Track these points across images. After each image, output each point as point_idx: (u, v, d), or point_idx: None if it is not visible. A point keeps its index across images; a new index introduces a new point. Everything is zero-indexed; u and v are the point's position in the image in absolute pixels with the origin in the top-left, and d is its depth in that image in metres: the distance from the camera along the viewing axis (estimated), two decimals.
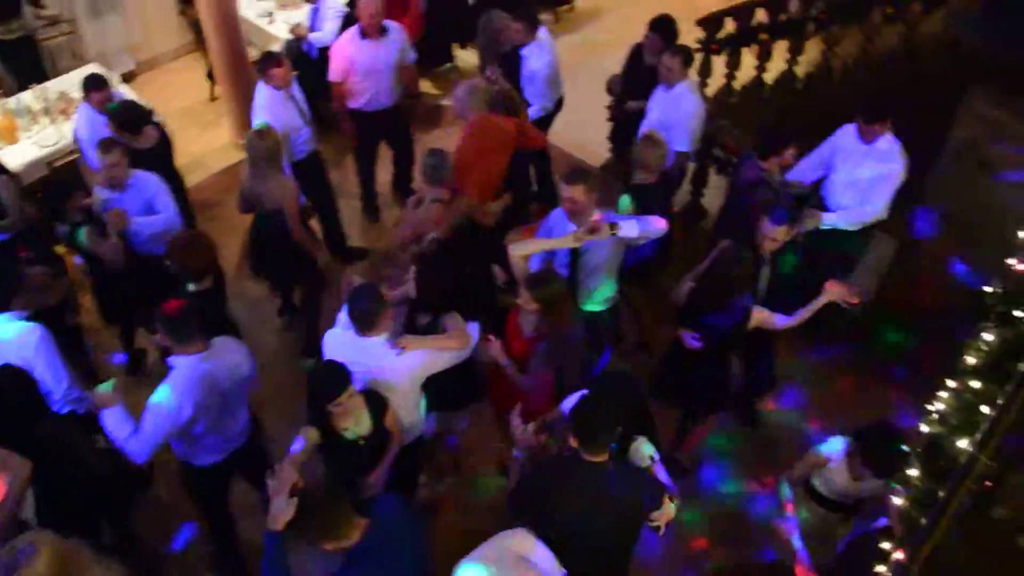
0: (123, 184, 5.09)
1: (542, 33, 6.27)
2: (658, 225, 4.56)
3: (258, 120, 5.79)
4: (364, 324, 3.98)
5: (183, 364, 3.92)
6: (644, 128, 5.82)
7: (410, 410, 4.29)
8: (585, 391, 3.70)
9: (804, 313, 4.50)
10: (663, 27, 6.01)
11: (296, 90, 5.94)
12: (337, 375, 3.71)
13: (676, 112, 5.68)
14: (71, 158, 6.34)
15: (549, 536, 3.35)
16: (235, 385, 4.14)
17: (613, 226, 4.38)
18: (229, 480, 4.52)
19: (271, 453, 4.63)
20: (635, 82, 6.27)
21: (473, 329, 4.27)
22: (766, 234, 4.50)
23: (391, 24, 6.27)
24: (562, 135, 6.15)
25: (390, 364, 4.03)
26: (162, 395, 3.87)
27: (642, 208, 4.97)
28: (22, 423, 3.95)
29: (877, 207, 5.14)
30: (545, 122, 6.43)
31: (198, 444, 4.17)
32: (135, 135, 5.51)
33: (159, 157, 5.64)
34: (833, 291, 4.45)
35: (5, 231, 5.27)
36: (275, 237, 5.37)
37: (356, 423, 3.84)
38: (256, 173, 5.23)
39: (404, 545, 3.32)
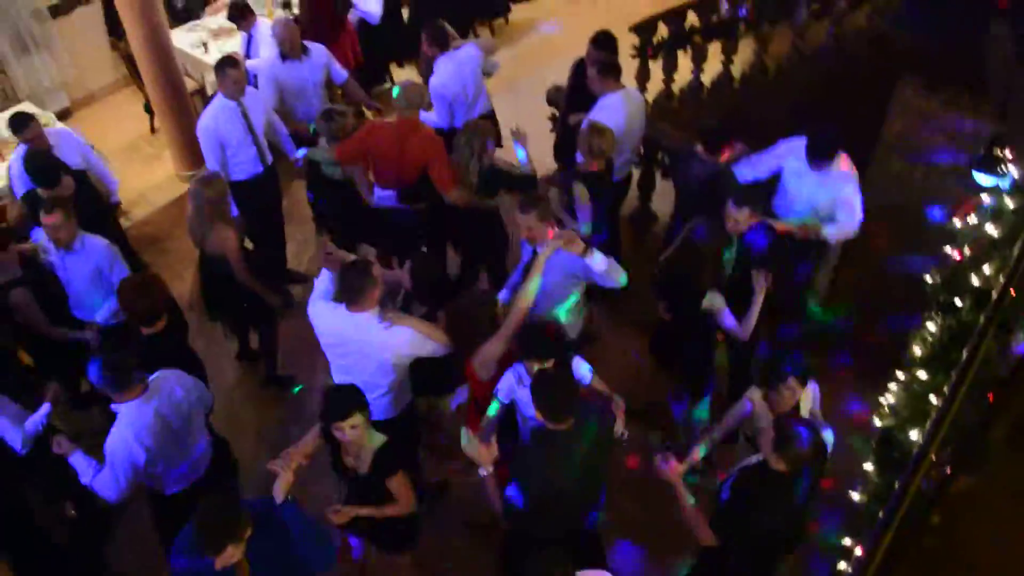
0: (70, 245, 4.85)
1: (463, 50, 6.22)
2: (619, 277, 4.51)
3: (204, 128, 5.74)
4: (354, 299, 4.06)
5: (128, 411, 3.88)
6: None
7: (397, 388, 4.38)
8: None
9: (750, 320, 4.58)
10: (604, 42, 5.95)
11: (253, 106, 5.85)
12: (343, 400, 3.64)
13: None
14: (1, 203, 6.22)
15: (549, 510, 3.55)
16: (184, 419, 4.11)
17: (588, 249, 4.33)
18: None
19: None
20: (580, 97, 6.29)
21: None
22: (730, 214, 4.58)
23: (312, 45, 6.34)
24: (505, 147, 6.15)
25: (378, 338, 4.10)
26: (115, 442, 3.86)
27: (595, 197, 5.08)
28: None
29: (855, 221, 5.03)
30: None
31: (161, 480, 4.17)
32: (50, 187, 5.24)
33: (80, 208, 5.21)
34: (761, 281, 4.55)
35: None
36: (221, 280, 5.26)
37: (355, 458, 3.78)
38: (198, 217, 5.13)
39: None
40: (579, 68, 6.30)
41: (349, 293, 4.07)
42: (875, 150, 6.33)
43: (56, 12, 8.23)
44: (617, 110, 5.67)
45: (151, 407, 3.91)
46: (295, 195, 7.03)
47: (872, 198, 5.27)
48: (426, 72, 6.49)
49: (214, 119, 5.75)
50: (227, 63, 5.67)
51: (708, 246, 4.67)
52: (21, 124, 5.57)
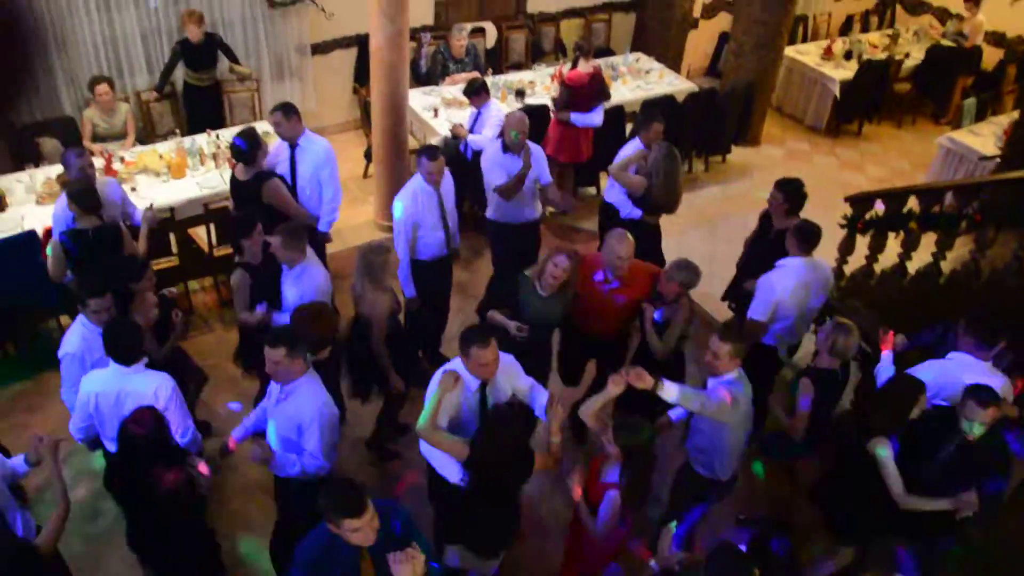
0: (291, 266, 5.25)
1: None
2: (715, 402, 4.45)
3: (398, 201, 5.90)
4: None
5: (309, 379, 4.28)
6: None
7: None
8: None
9: (926, 503, 4.38)
10: (789, 189, 5.91)
11: (448, 190, 6.04)
12: None
13: (767, 277, 5.57)
14: (224, 203, 6.70)
15: None
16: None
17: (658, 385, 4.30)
18: None
19: None
20: (762, 246, 6.17)
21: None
22: (968, 414, 4.30)
23: (532, 145, 6.47)
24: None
25: None
26: (313, 410, 4.20)
27: (821, 394, 4.90)
28: (151, 465, 4.06)
29: None
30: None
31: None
32: (248, 163, 6.03)
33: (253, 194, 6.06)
34: (971, 502, 4.30)
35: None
36: (360, 339, 5.36)
37: None
38: (359, 278, 5.29)
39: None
40: (766, 216, 6.22)
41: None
42: None
43: (316, 50, 9.02)
44: (791, 275, 5.51)
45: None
46: (479, 270, 7.19)
47: None
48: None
49: (413, 201, 5.87)
50: (426, 153, 5.83)
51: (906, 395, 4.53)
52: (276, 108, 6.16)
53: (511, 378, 4.59)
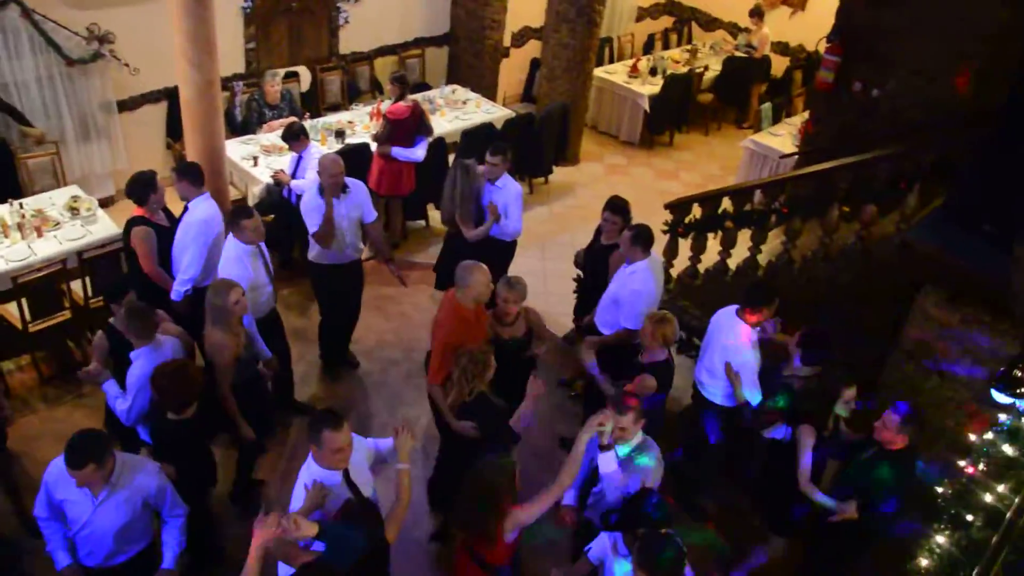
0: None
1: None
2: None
3: (226, 271, 5.61)
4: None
5: (123, 457, 4.16)
6: (602, 302, 6.01)
7: None
8: None
9: (821, 497, 4.79)
10: (616, 207, 6.24)
11: (264, 247, 5.88)
12: None
13: (626, 289, 5.79)
14: (37, 275, 6.27)
15: None
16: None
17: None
18: None
19: None
20: (593, 259, 6.56)
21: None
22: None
23: (352, 183, 6.36)
24: (529, 303, 6.20)
25: None
26: (150, 474, 4.19)
27: (662, 387, 5.22)
28: None
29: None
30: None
31: None
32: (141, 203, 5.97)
33: None
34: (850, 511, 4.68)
35: None
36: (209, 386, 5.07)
37: None
38: (207, 320, 5.12)
39: None
40: (599, 232, 6.49)
41: None
42: (891, 354, 6.34)
43: (123, 107, 8.65)
44: (649, 277, 5.82)
45: None
46: (314, 316, 7.06)
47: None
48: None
49: (244, 267, 5.61)
50: (242, 215, 5.67)
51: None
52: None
53: (364, 453, 4.27)
